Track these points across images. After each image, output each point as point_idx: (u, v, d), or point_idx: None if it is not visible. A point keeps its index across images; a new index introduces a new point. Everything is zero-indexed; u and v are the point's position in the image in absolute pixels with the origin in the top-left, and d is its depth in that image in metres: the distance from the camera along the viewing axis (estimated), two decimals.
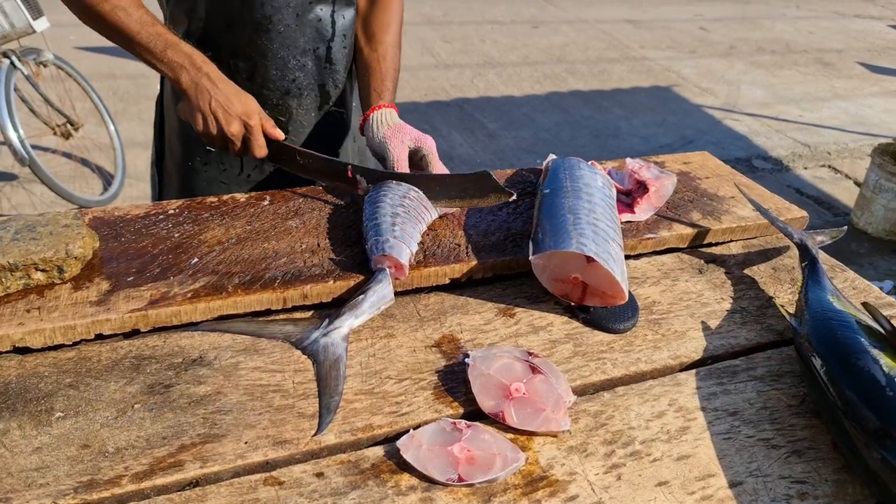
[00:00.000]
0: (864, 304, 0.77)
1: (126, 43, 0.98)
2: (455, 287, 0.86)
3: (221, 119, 0.98)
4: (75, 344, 0.73)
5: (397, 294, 0.83)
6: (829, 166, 3.96)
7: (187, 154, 1.17)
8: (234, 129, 0.99)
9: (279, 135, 1.02)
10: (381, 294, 0.77)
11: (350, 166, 0.97)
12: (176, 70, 0.97)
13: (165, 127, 1.20)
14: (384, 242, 0.80)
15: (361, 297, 0.77)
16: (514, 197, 0.90)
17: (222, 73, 1.00)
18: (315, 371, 0.71)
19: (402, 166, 0.98)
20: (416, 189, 0.91)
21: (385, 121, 1.03)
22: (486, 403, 0.66)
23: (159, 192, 1.26)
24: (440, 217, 0.95)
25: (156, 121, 1.23)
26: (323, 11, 1.10)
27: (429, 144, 1.01)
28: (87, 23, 0.98)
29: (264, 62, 1.09)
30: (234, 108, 0.98)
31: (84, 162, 3.11)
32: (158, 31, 0.96)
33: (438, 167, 0.98)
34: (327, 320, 0.76)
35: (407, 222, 0.84)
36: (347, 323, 0.75)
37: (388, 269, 0.79)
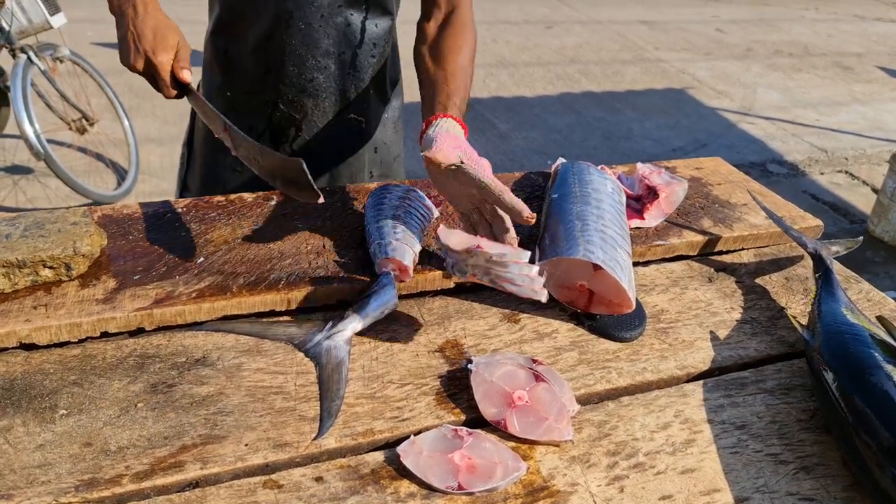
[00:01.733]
0: (879, 318, 0.75)
1: None
2: (460, 291, 0.86)
3: (130, 51, 0.92)
4: (81, 341, 0.74)
5: (401, 297, 0.83)
6: (847, 172, 3.91)
7: (212, 136, 1.16)
8: (139, 65, 0.93)
9: (185, 77, 0.95)
10: (384, 298, 0.77)
11: (227, 123, 0.89)
12: None
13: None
14: (387, 245, 0.80)
15: (365, 300, 0.76)
16: (322, 200, 0.77)
17: (157, 5, 0.94)
18: (317, 374, 0.71)
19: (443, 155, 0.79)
20: (415, 189, 0.92)
21: (449, 129, 0.85)
22: (488, 411, 0.65)
23: (185, 172, 1.26)
24: (441, 213, 0.95)
25: None
26: (353, 17, 1.08)
27: (475, 164, 0.80)
28: None
29: (281, 57, 1.08)
30: (144, 43, 0.92)
31: (98, 157, 3.14)
32: None
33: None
34: (331, 323, 0.75)
35: (409, 223, 0.85)
36: (351, 326, 0.75)
37: (392, 273, 0.79)
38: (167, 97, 0.96)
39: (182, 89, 0.96)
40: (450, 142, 0.81)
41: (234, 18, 1.08)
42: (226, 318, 0.78)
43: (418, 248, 0.83)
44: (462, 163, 0.78)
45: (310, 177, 0.76)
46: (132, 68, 0.94)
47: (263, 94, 1.12)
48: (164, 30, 0.93)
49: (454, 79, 0.96)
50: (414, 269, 0.82)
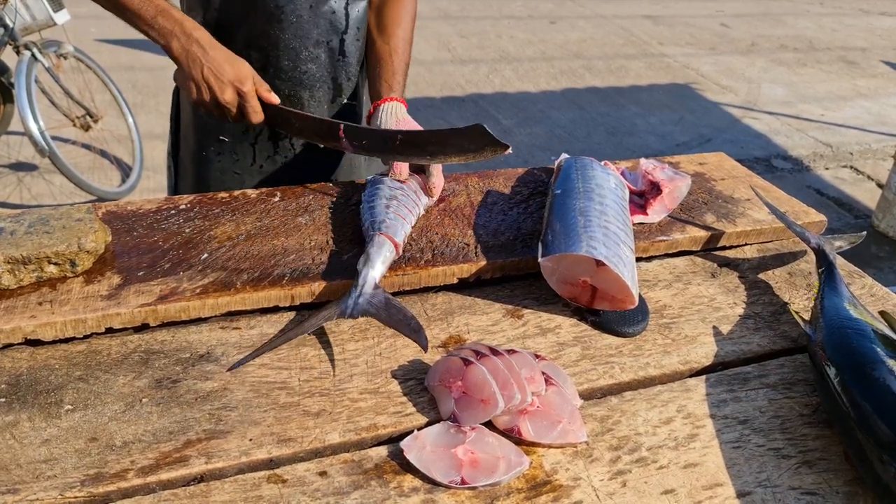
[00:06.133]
0: (882, 313, 0.75)
1: (118, 10, 0.98)
2: (463, 287, 0.86)
3: (214, 87, 0.96)
4: (86, 337, 0.74)
5: (405, 293, 0.83)
6: (851, 167, 3.89)
7: (201, 144, 1.18)
8: (228, 97, 0.97)
9: (274, 99, 1.02)
10: (379, 242, 0.80)
11: (342, 125, 0.96)
12: (167, 37, 0.96)
13: (181, 117, 1.22)
14: (380, 223, 0.83)
15: (365, 255, 0.79)
16: (510, 150, 0.86)
17: (214, 39, 0.99)
18: (378, 320, 0.74)
19: (402, 165, 0.96)
20: (412, 180, 0.95)
21: (394, 113, 1.04)
22: (500, 419, 0.65)
23: (175, 182, 1.27)
24: (444, 209, 0.97)
25: (172, 111, 1.24)
26: (337, 4, 1.10)
27: None
28: None
29: (276, 52, 1.09)
30: (226, 75, 0.96)
31: (103, 153, 3.15)
32: None
33: (437, 170, 0.97)
34: (352, 288, 0.76)
35: (402, 206, 0.88)
36: (370, 276, 0.77)
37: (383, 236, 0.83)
38: (255, 122, 1.02)
39: (268, 111, 1.02)
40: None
41: (222, 19, 1.08)
42: (230, 314, 0.78)
43: (409, 228, 0.86)
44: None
45: (491, 132, 0.85)
46: (219, 102, 0.98)
47: None
48: (236, 61, 0.99)
49: (396, 55, 1.11)
50: (418, 267, 0.82)
